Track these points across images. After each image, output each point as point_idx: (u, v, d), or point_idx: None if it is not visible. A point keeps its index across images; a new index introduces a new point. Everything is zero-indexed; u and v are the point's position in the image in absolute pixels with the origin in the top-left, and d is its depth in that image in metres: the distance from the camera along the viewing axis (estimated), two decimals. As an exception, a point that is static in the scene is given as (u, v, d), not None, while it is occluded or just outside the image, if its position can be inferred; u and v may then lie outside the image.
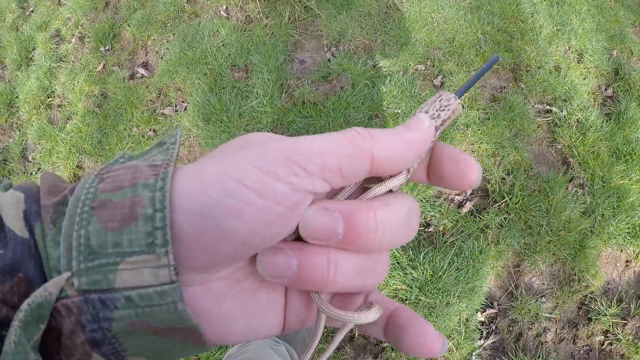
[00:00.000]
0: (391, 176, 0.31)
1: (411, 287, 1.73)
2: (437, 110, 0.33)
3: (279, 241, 0.27)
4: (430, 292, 1.72)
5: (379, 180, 0.32)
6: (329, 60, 2.11)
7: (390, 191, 0.31)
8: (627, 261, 1.95)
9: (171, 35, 2.34)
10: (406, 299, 1.73)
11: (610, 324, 1.80)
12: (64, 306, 0.24)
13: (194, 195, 0.24)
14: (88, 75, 2.42)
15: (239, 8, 2.24)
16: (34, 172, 2.32)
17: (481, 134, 1.97)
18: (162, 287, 0.24)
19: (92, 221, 0.24)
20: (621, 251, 1.95)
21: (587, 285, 1.86)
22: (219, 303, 0.28)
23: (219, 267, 0.27)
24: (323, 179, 0.26)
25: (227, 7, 2.26)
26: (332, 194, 0.32)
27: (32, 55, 2.69)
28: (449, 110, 0.33)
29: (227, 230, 0.24)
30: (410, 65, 2.08)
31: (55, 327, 0.24)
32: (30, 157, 2.38)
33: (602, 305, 1.83)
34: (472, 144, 1.95)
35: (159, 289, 0.24)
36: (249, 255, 0.27)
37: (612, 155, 2.06)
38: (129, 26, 2.46)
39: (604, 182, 1.99)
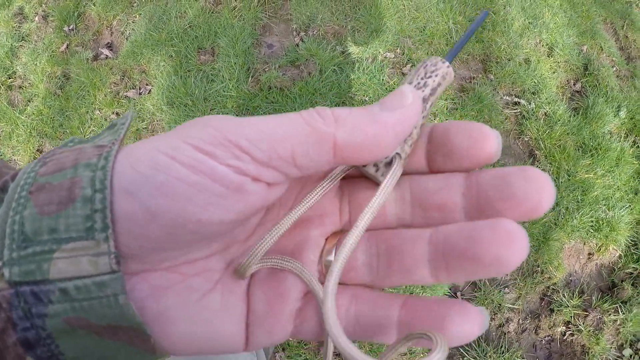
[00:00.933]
0: (375, 165, 0.27)
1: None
2: (422, 78, 0.29)
3: (228, 231, 0.25)
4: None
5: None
6: (297, 45, 2.07)
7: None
8: (589, 254, 1.98)
9: (137, 16, 2.27)
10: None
11: (572, 315, 1.82)
12: None
13: (124, 171, 0.22)
14: (51, 55, 2.34)
15: (207, -11, 2.19)
16: (-9, 155, 2.24)
17: (449, 123, 1.96)
18: (101, 277, 0.21)
19: (28, 206, 0.21)
20: (584, 244, 1.97)
21: (549, 277, 1.88)
22: (157, 298, 0.25)
23: (152, 256, 0.24)
24: (272, 167, 0.23)
25: (195, -12, 2.21)
26: (299, 186, 0.29)
27: (-6, 34, 2.59)
28: (437, 76, 0.29)
29: (156, 210, 0.21)
30: (379, 52, 2.06)
31: None
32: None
33: (564, 296, 1.85)
34: (440, 134, 1.94)
35: (97, 279, 0.21)
36: (190, 244, 0.24)
37: (578, 149, 2.07)
38: (94, 5, 2.38)
39: (569, 176, 2.00)
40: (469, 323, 0.24)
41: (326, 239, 0.30)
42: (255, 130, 0.23)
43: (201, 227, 0.23)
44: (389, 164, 0.27)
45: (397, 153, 0.27)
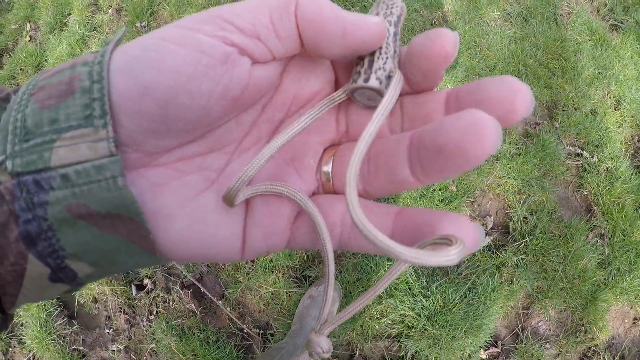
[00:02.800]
0: (377, 78, 0.28)
1: (419, 316, 1.67)
2: (387, 9, 0.29)
3: (221, 112, 0.25)
4: (438, 323, 1.67)
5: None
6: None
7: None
8: (635, 319, 1.92)
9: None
10: (413, 327, 1.68)
11: (611, 380, 1.76)
12: None
13: (118, 57, 0.23)
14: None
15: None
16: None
17: (510, 169, 1.91)
18: (100, 160, 0.22)
19: (29, 104, 0.22)
20: (631, 308, 1.92)
21: (592, 338, 1.82)
22: (154, 194, 0.25)
23: (149, 142, 0.24)
24: (256, 37, 0.24)
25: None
26: (292, 93, 0.30)
27: (67, 21, 2.62)
28: (396, 8, 0.29)
29: (148, 84, 0.22)
30: (448, 87, 2.03)
31: None
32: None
33: (605, 359, 1.79)
34: (500, 178, 1.90)
35: (97, 162, 0.22)
36: (186, 130, 0.25)
37: (637, 210, 2.01)
38: (167, 5, 2.39)
39: (625, 236, 1.94)
40: (461, 234, 0.24)
41: (324, 150, 0.31)
42: (239, 7, 0.24)
43: (194, 102, 0.23)
44: (390, 77, 0.28)
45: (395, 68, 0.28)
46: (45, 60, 2.50)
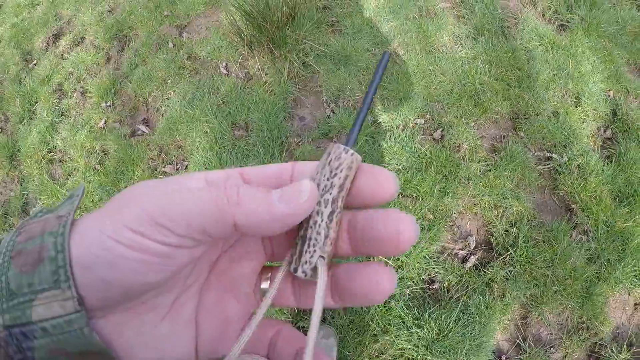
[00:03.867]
0: (303, 272, 0.33)
1: (417, 347, 1.71)
2: (328, 179, 0.32)
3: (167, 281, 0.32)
4: (437, 351, 1.71)
5: None
6: (328, 116, 2.13)
7: None
8: (635, 304, 1.94)
9: (172, 92, 2.37)
10: (413, 359, 1.71)
11: (622, 370, 1.78)
12: None
13: (81, 252, 0.29)
14: (89, 131, 2.44)
15: (238, 65, 2.27)
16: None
17: (482, 186, 1.97)
18: (69, 316, 0.28)
19: (10, 268, 0.29)
20: (629, 294, 1.94)
21: (596, 332, 1.85)
22: (118, 332, 0.32)
23: (115, 306, 0.31)
24: (190, 237, 0.30)
25: (226, 64, 2.30)
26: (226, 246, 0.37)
27: (35, 109, 2.71)
28: (341, 171, 0.31)
29: (109, 280, 0.29)
30: (409, 119, 2.10)
31: None
32: (30, 212, 2.39)
33: (613, 351, 1.81)
34: (474, 197, 1.96)
35: (67, 318, 0.28)
36: (141, 298, 0.31)
37: (615, 199, 2.06)
38: (130, 82, 2.49)
39: (608, 227, 1.98)
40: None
41: (260, 273, 0.38)
42: (175, 210, 0.29)
43: (146, 286, 0.30)
44: (315, 268, 0.32)
45: (321, 256, 0.32)
46: (18, 150, 2.59)
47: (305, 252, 0.32)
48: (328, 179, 0.32)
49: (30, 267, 0.29)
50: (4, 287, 0.29)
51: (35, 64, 2.99)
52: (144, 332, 0.33)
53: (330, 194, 0.31)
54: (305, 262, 0.33)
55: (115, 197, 0.32)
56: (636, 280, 1.91)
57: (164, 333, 0.34)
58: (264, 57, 2.22)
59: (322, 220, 0.32)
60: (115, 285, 0.29)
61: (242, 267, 0.37)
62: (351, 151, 0.32)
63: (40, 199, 2.36)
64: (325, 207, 0.32)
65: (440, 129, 2.09)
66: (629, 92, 2.39)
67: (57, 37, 3.09)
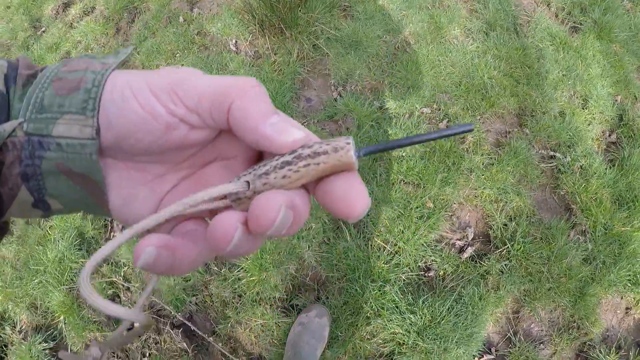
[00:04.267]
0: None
1: (409, 332, 1.72)
2: (315, 144, 0.32)
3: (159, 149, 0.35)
4: (429, 338, 1.72)
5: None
6: (335, 99, 2.13)
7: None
8: (627, 308, 1.95)
9: (179, 66, 2.36)
10: (404, 344, 1.72)
11: (609, 372, 1.79)
12: (12, 142, 0.32)
13: (107, 92, 0.32)
14: (97, 101, 2.44)
15: (248, 43, 2.26)
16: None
17: (485, 179, 1.98)
18: (85, 140, 0.32)
19: (49, 88, 0.33)
20: (621, 298, 1.95)
21: (586, 333, 1.86)
22: (108, 173, 0.35)
23: (112, 149, 0.34)
24: (197, 113, 0.33)
25: (236, 42, 2.29)
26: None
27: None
28: (328, 144, 0.32)
29: (112, 121, 0.32)
30: (416, 108, 2.10)
31: (0, 161, 0.32)
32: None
33: (601, 352, 1.82)
34: (475, 189, 1.96)
35: (82, 141, 0.32)
36: (133, 152, 0.34)
37: (615, 202, 2.06)
38: (138, 54, 2.49)
39: (606, 229, 1.99)
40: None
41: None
42: (192, 84, 0.32)
43: (139, 144, 0.33)
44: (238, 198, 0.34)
45: (247, 181, 0.33)
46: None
47: (247, 174, 0.34)
48: (315, 144, 0.32)
49: (66, 91, 0.32)
50: (38, 102, 0.32)
51: (43, 31, 2.98)
52: (126, 184, 0.37)
53: (303, 150, 0.32)
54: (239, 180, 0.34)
55: (165, 69, 0.36)
56: (630, 285, 1.92)
57: (140, 195, 0.37)
58: (274, 37, 2.21)
59: (277, 161, 0.33)
60: (115, 128, 0.32)
61: (220, 175, 0.40)
62: (351, 145, 0.32)
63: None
64: (289, 155, 0.33)
65: (446, 120, 2.09)
66: (637, 98, 2.39)
67: (67, 5, 3.08)
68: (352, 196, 0.32)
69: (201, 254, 0.35)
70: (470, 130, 0.33)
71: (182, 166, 0.39)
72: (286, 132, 0.33)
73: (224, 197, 0.35)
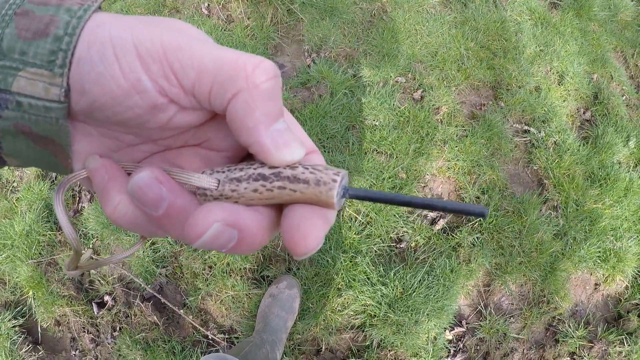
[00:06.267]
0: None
1: (380, 304, 1.70)
2: (303, 166, 0.29)
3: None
4: (400, 310, 1.69)
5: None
6: (309, 66, 2.07)
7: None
8: (596, 284, 1.96)
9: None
10: (375, 316, 1.70)
11: (577, 346, 1.80)
12: None
13: (83, 44, 0.26)
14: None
15: (221, 6, 2.18)
16: None
17: (458, 151, 1.95)
18: (50, 103, 0.26)
19: (10, 25, 0.26)
20: (591, 274, 1.96)
21: (555, 307, 1.87)
22: (75, 137, 0.30)
23: (82, 114, 0.28)
24: (192, 94, 0.27)
25: (208, 5, 2.20)
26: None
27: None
28: (313, 173, 0.28)
29: (85, 86, 0.26)
30: (390, 76, 2.05)
31: None
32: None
33: (570, 327, 1.84)
34: (449, 161, 1.93)
35: (47, 104, 0.26)
36: (108, 123, 0.29)
37: (587, 179, 2.06)
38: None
39: (578, 206, 1.99)
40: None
41: None
42: (191, 56, 0.26)
43: (115, 118, 0.28)
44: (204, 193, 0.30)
45: (217, 179, 0.30)
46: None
47: (217, 172, 0.30)
48: (300, 167, 0.29)
49: (31, 35, 0.26)
50: None
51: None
52: (96, 150, 0.31)
53: (285, 169, 0.29)
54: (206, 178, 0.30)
55: (153, 18, 0.29)
56: (599, 261, 1.93)
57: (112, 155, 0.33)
58: (247, 0, 2.13)
59: (253, 169, 0.29)
60: (89, 95, 0.26)
61: (193, 163, 0.34)
62: (337, 184, 0.28)
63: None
64: (269, 168, 0.29)
65: (421, 90, 2.05)
66: (612, 77, 2.39)
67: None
68: (303, 232, 0.28)
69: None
70: (484, 216, 0.28)
71: (160, 143, 0.33)
72: (286, 147, 0.28)
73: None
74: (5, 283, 1.83)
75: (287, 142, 0.28)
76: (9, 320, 1.75)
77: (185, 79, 0.26)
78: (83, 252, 0.32)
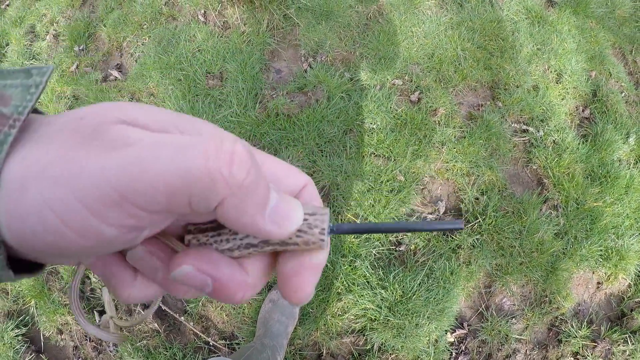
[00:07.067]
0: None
1: (380, 308, 1.69)
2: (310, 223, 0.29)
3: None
4: (400, 313, 1.69)
5: None
6: (305, 71, 2.07)
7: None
8: (598, 283, 1.95)
9: (147, 38, 2.28)
10: (375, 319, 1.69)
11: (580, 345, 1.79)
12: None
13: (14, 217, 0.22)
14: (61, 75, 2.35)
15: (217, 13, 2.19)
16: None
17: (456, 152, 1.94)
18: None
19: None
20: (593, 273, 1.95)
21: (557, 307, 1.86)
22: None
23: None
24: (168, 211, 0.24)
25: (205, 12, 2.21)
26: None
27: (5, 51, 2.60)
28: (299, 236, 0.29)
29: (46, 252, 0.23)
30: (387, 79, 2.05)
31: None
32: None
33: (573, 327, 1.82)
34: (447, 162, 1.93)
35: None
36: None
37: (587, 178, 2.05)
38: (104, 26, 2.39)
39: (578, 204, 1.98)
40: None
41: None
42: (153, 182, 0.22)
43: (66, 251, 0.24)
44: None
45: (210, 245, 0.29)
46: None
47: (206, 235, 0.30)
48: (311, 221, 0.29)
49: None
50: None
51: (7, 5, 2.86)
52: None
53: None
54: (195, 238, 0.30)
55: (82, 124, 0.24)
56: (601, 260, 1.92)
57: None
58: (243, 7, 2.14)
59: (240, 240, 0.29)
60: (49, 254, 0.24)
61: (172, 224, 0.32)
62: (325, 237, 0.29)
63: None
64: (255, 238, 0.29)
65: (418, 92, 2.05)
66: (611, 74, 2.38)
67: (31, -23, 2.96)
68: (294, 286, 0.29)
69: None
70: (460, 229, 0.31)
71: None
72: (288, 221, 0.27)
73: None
74: (8, 292, 1.84)
75: (286, 215, 0.27)
76: (12, 329, 1.76)
77: (155, 205, 0.22)
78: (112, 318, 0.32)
